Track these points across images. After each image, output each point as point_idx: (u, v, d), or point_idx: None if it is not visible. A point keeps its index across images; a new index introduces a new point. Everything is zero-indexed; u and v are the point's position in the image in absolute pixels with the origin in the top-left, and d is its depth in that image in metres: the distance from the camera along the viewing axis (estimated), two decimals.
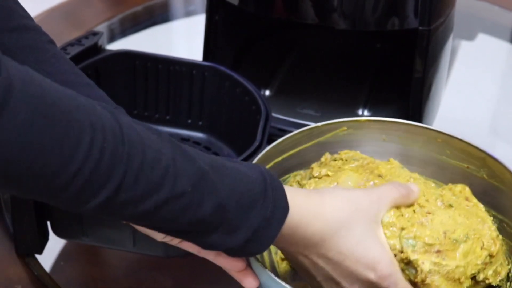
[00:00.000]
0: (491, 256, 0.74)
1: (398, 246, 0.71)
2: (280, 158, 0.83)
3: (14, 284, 0.87)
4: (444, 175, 0.86)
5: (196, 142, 1.02)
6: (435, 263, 0.71)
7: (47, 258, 0.86)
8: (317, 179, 0.78)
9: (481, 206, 0.79)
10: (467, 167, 0.84)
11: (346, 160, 0.80)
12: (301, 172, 0.81)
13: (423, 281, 0.71)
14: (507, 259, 0.77)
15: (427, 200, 0.75)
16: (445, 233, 0.72)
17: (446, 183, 0.84)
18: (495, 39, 1.32)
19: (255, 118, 0.93)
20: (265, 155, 0.82)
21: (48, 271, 0.87)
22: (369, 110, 1.07)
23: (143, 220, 0.62)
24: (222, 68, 0.99)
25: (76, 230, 0.84)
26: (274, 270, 0.80)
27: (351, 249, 0.69)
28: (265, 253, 0.81)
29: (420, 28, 0.95)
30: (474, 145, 0.83)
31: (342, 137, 0.86)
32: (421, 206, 0.74)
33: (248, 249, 0.65)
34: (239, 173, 0.64)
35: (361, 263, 0.69)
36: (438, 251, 0.71)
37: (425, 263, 0.71)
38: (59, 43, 1.02)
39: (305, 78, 1.14)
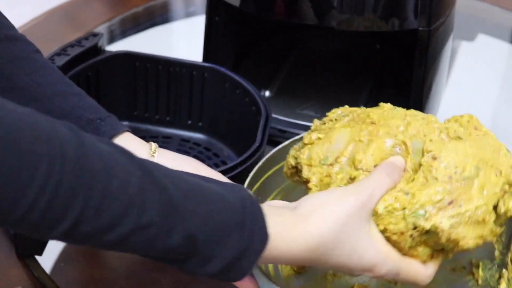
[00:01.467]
0: (510, 185, 0.70)
1: (408, 225, 0.67)
2: (284, 162, 0.83)
3: (14, 285, 0.86)
4: None
5: (196, 143, 1.02)
6: (453, 216, 0.66)
7: (47, 259, 0.85)
8: (309, 146, 0.74)
9: (492, 133, 0.74)
10: None
11: (336, 120, 0.76)
12: (295, 146, 0.77)
13: (449, 239, 0.67)
14: None
15: (431, 140, 0.70)
16: (451, 177, 0.68)
17: None
18: (495, 40, 1.32)
19: (255, 119, 0.93)
20: (270, 159, 0.82)
21: (48, 272, 0.87)
22: None
23: (113, 248, 0.60)
24: (222, 69, 0.99)
25: None
26: (277, 274, 0.80)
27: (342, 262, 0.67)
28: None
29: (420, 28, 0.95)
30: None
31: None
32: (426, 151, 0.69)
33: (227, 277, 0.63)
34: (217, 200, 0.62)
35: (358, 269, 0.68)
36: (451, 202, 0.67)
37: (443, 221, 0.66)
38: (59, 44, 1.02)
39: (306, 79, 1.14)
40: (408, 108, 1.01)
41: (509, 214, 0.70)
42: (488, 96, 1.21)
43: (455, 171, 0.68)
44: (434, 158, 0.69)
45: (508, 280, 0.78)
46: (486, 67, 1.26)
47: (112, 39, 1.29)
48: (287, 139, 0.88)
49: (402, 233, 0.68)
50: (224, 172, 0.81)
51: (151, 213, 0.58)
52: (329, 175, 0.72)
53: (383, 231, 0.68)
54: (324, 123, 0.77)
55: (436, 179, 0.68)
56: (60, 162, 0.54)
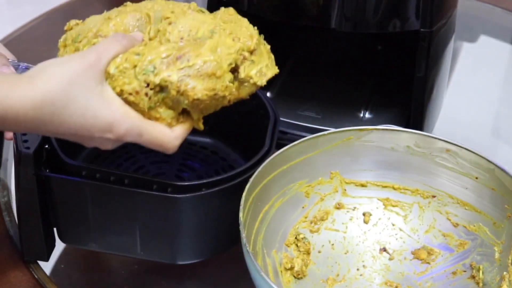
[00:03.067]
0: (250, 52, 0.73)
1: (142, 83, 0.70)
2: (285, 166, 0.84)
3: (14, 286, 0.86)
4: (454, 186, 0.86)
5: (202, 147, 1.01)
6: (180, 69, 0.70)
7: (48, 261, 0.85)
8: (68, 31, 0.77)
9: (245, 20, 0.78)
10: (476, 178, 0.84)
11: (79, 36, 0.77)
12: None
13: (179, 92, 0.70)
14: (274, 65, 0.76)
15: (172, 12, 0.74)
16: (183, 38, 0.72)
17: (456, 195, 0.85)
18: (497, 41, 1.32)
19: (262, 123, 0.91)
20: (271, 163, 0.82)
21: (48, 274, 0.87)
22: (370, 112, 1.07)
23: None
24: None
25: (84, 236, 0.83)
26: (277, 280, 0.80)
27: (78, 122, 0.69)
28: (269, 262, 0.81)
29: (422, 30, 0.95)
30: (484, 156, 0.83)
31: (349, 146, 0.87)
32: (164, 18, 0.73)
33: None
34: None
35: (95, 130, 0.69)
36: (179, 57, 0.70)
37: (171, 75, 0.70)
38: None
39: (306, 80, 1.13)
40: (409, 110, 1.01)
41: (251, 81, 0.74)
42: (490, 97, 1.21)
43: (188, 34, 0.72)
44: (170, 23, 0.73)
45: (509, 282, 0.79)
46: (487, 68, 1.25)
47: None
48: (288, 140, 0.88)
49: (137, 92, 0.70)
50: (233, 177, 0.81)
51: None
52: (77, 50, 0.75)
53: (120, 94, 0.70)
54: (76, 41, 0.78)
55: (169, 40, 0.72)
56: None
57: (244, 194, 0.77)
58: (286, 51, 1.18)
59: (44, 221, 0.83)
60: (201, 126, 0.75)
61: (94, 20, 0.77)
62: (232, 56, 0.72)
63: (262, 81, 0.75)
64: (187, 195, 0.79)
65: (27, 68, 0.80)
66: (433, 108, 1.03)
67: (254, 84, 0.75)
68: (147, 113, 0.71)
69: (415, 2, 0.93)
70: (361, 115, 1.07)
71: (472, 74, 1.24)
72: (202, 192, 0.79)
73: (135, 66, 0.70)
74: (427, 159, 0.86)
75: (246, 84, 0.75)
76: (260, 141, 0.88)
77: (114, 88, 0.70)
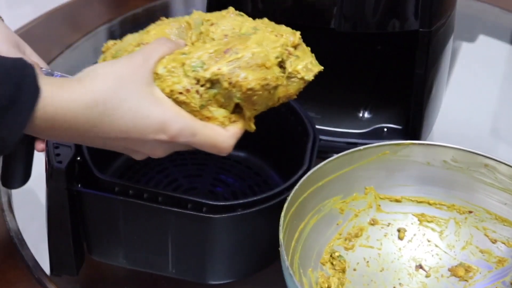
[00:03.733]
0: (294, 47, 0.74)
1: (193, 81, 0.69)
2: (321, 183, 0.83)
3: (13, 286, 0.86)
4: (491, 202, 0.85)
5: (236, 161, 0.98)
6: (230, 61, 0.69)
7: (47, 260, 0.85)
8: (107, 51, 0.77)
9: (282, 25, 0.78)
10: None
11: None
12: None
13: (231, 84, 0.69)
14: (318, 63, 0.77)
15: (208, 19, 0.75)
16: (227, 35, 0.72)
17: (494, 210, 0.84)
18: (496, 41, 1.32)
19: (301, 139, 0.89)
20: (307, 180, 0.81)
21: (47, 274, 0.87)
22: (370, 112, 1.07)
23: None
24: None
25: (114, 252, 0.83)
26: None
27: (131, 123, 0.67)
28: (305, 281, 0.80)
29: (421, 30, 0.95)
30: None
31: (384, 161, 0.86)
32: (205, 21, 0.75)
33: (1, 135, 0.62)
34: None
35: (148, 131, 0.68)
36: (226, 51, 0.70)
37: (222, 67, 0.69)
38: (60, 45, 1.02)
39: None
40: (409, 109, 1.01)
41: (298, 76, 0.74)
42: (489, 97, 1.21)
43: (232, 32, 0.73)
44: (212, 24, 0.74)
45: None
46: (486, 68, 1.25)
47: None
48: None
49: (188, 91, 0.69)
50: (270, 198, 0.79)
51: None
52: None
53: (170, 95, 0.69)
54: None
55: (213, 39, 0.72)
56: None
57: (282, 213, 0.76)
58: None
59: (74, 235, 0.82)
60: (252, 127, 0.74)
61: (132, 37, 0.77)
62: (277, 49, 0.72)
63: (310, 76, 0.75)
64: (223, 215, 0.77)
65: (61, 77, 0.79)
66: (432, 108, 1.03)
67: (302, 79, 0.75)
68: (199, 113, 0.70)
69: (414, 2, 0.93)
70: (361, 115, 1.07)
71: (471, 74, 1.24)
72: (238, 213, 0.78)
73: (183, 65, 0.70)
74: (464, 174, 0.85)
75: (293, 79, 0.74)
76: (296, 158, 0.86)
77: (163, 90, 0.69)
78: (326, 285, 0.81)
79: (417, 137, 1.00)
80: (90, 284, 0.89)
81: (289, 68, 0.74)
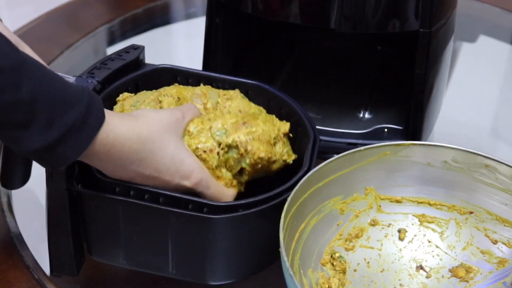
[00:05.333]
0: (283, 134, 0.86)
1: (215, 143, 0.81)
2: (321, 184, 0.83)
3: (13, 286, 0.86)
4: (492, 202, 0.85)
5: None
6: (247, 133, 0.82)
7: (47, 260, 0.85)
8: (122, 101, 0.87)
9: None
10: None
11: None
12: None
13: (246, 150, 0.82)
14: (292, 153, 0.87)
15: (224, 94, 0.89)
16: (241, 110, 0.87)
17: (495, 211, 0.84)
18: (496, 41, 1.32)
19: (301, 141, 0.89)
20: (307, 181, 0.81)
21: (47, 274, 0.87)
22: (370, 112, 1.07)
23: None
24: (267, 86, 0.94)
25: (114, 253, 0.83)
26: None
27: (167, 164, 0.77)
28: (306, 282, 0.80)
29: (421, 30, 0.95)
30: None
31: (384, 161, 0.86)
32: (222, 95, 0.88)
33: (57, 153, 0.69)
34: (60, 79, 0.69)
35: (177, 175, 0.78)
36: (244, 123, 0.83)
37: (240, 136, 0.82)
38: (60, 45, 1.02)
39: (306, 80, 1.13)
40: (409, 110, 1.01)
41: (283, 157, 0.86)
42: (489, 97, 1.21)
43: (244, 109, 0.87)
44: (228, 99, 0.88)
45: None
46: (487, 68, 1.25)
47: (112, 41, 1.29)
48: None
49: (211, 150, 0.81)
50: (270, 199, 0.80)
51: (1, 62, 0.64)
52: None
53: (195, 151, 0.81)
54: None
55: (230, 112, 0.86)
56: None
57: (282, 214, 0.76)
58: (286, 51, 1.18)
59: (74, 236, 0.82)
60: (242, 190, 0.85)
61: (147, 92, 0.88)
62: (275, 132, 0.85)
63: (290, 160, 0.86)
64: (223, 216, 0.78)
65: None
66: (432, 108, 1.03)
67: (284, 161, 0.86)
68: (213, 171, 0.81)
69: (415, 2, 0.93)
70: (361, 115, 1.07)
71: (472, 74, 1.24)
72: (239, 213, 0.78)
73: (210, 128, 0.82)
74: (465, 174, 0.85)
75: (279, 160, 0.85)
76: (296, 159, 0.86)
77: (190, 145, 0.81)
78: (327, 286, 0.81)
79: (418, 138, 1.00)
80: (90, 285, 0.89)
81: (278, 150, 0.85)
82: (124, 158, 0.75)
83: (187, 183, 0.78)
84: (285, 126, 0.87)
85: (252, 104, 0.89)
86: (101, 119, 0.71)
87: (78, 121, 0.69)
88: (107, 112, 0.73)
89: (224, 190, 0.82)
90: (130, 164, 0.75)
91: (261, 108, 0.90)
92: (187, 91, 0.89)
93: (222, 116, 0.84)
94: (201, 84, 0.92)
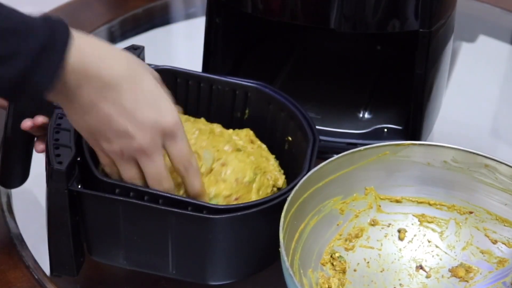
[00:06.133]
0: (277, 188, 0.87)
1: None
2: (321, 184, 0.83)
3: (13, 287, 0.86)
4: (492, 202, 0.85)
5: None
6: None
7: (46, 260, 0.85)
8: None
9: (264, 146, 0.91)
10: None
11: None
12: None
13: None
14: None
15: (218, 150, 0.85)
16: (237, 180, 0.83)
17: (494, 211, 0.84)
18: (496, 41, 1.32)
19: (300, 145, 0.89)
20: (307, 181, 0.81)
21: (47, 274, 0.87)
22: (370, 113, 1.07)
23: None
24: (266, 89, 0.93)
25: (114, 253, 0.83)
26: None
27: (148, 97, 0.72)
28: (305, 282, 0.80)
29: (421, 30, 0.95)
30: None
31: (384, 161, 0.86)
32: (217, 160, 0.85)
33: (30, 82, 0.64)
34: (15, 10, 0.66)
35: (157, 110, 0.72)
36: (237, 198, 0.83)
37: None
38: None
39: (306, 80, 1.13)
40: (409, 110, 1.01)
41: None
42: (489, 97, 1.21)
43: (239, 176, 0.84)
44: (223, 165, 0.84)
45: None
46: (486, 68, 1.25)
47: (112, 41, 1.29)
48: None
49: None
50: (272, 198, 0.80)
51: None
52: None
53: None
54: None
55: (225, 180, 0.83)
56: None
57: (282, 214, 0.77)
58: (286, 51, 1.18)
59: (74, 236, 0.82)
60: None
61: None
62: (268, 194, 0.85)
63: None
64: (223, 216, 0.78)
65: None
66: (432, 108, 1.03)
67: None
68: None
69: (414, 2, 0.93)
70: (361, 115, 1.07)
71: (471, 74, 1.24)
72: (238, 214, 0.78)
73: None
74: (465, 174, 0.85)
75: None
76: (296, 163, 0.87)
77: None
78: (327, 286, 0.81)
79: (417, 138, 1.00)
80: (90, 285, 0.89)
81: None
82: (104, 81, 0.69)
83: (165, 121, 0.74)
84: (281, 178, 0.87)
85: (248, 162, 0.86)
86: (68, 33, 0.66)
87: (45, 40, 0.64)
88: (76, 33, 0.67)
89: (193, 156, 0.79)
90: (109, 91, 0.70)
91: (260, 155, 0.88)
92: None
93: (216, 185, 0.83)
94: (201, 85, 0.89)
